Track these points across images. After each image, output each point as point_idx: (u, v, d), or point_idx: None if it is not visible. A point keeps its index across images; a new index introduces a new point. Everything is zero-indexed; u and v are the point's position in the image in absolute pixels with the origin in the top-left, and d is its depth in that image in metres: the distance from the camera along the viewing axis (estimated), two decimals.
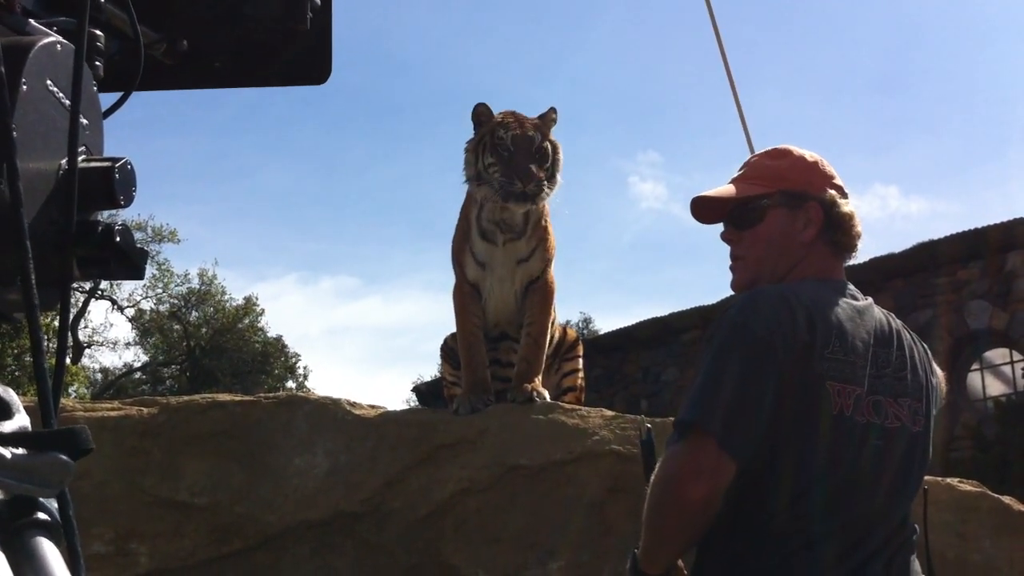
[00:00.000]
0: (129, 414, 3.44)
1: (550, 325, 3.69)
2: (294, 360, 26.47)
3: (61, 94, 0.84)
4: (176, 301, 25.31)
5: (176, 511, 3.31)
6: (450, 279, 3.75)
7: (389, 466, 3.37)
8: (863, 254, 2.09)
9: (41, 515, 0.75)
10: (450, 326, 3.79)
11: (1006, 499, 3.34)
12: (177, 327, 25.30)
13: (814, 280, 1.86)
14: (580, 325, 25.72)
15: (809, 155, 1.97)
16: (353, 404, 3.57)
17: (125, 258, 0.86)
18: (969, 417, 10.94)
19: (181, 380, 24.73)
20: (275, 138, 45.71)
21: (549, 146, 3.50)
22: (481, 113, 3.54)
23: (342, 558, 3.33)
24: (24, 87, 0.79)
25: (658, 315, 14.03)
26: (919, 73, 47.76)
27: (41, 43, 0.83)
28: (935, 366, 1.96)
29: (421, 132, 49.69)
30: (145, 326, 25.35)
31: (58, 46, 0.85)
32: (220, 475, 3.36)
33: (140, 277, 0.88)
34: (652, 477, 1.71)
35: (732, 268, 1.99)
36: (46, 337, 0.79)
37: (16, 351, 19.01)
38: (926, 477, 1.93)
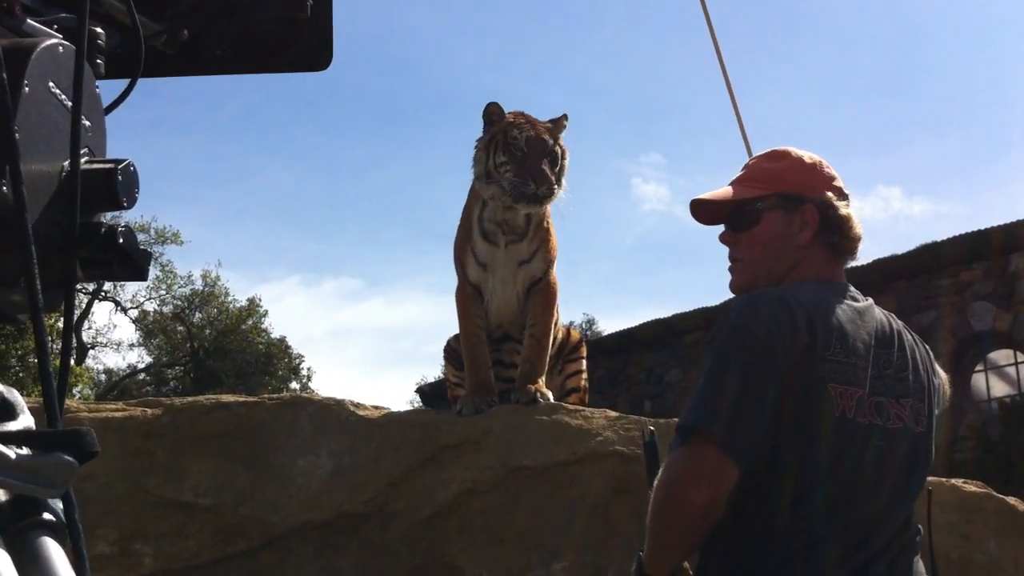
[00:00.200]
0: (133, 415, 3.44)
1: (553, 326, 3.69)
2: (298, 361, 26.53)
3: (63, 96, 0.84)
4: (179, 302, 25.38)
5: (180, 512, 3.31)
6: (453, 281, 3.75)
7: (393, 467, 3.37)
8: (866, 255, 2.09)
9: (46, 515, 0.75)
10: (453, 328, 3.80)
11: (1010, 500, 3.34)
12: (181, 328, 25.34)
13: (814, 282, 1.86)
14: (583, 326, 25.74)
15: (808, 157, 1.96)
16: (357, 405, 3.57)
17: (128, 260, 0.86)
18: (973, 418, 10.91)
19: (185, 381, 24.77)
20: (277, 140, 45.83)
21: (559, 150, 3.51)
22: (493, 112, 3.54)
23: (346, 559, 3.34)
24: (26, 89, 0.80)
25: (661, 316, 14.02)
26: (921, 74, 47.75)
27: (43, 45, 0.83)
28: (937, 368, 1.96)
29: (423, 133, 49.81)
30: (149, 327, 25.40)
31: (60, 48, 0.85)
32: (224, 476, 3.36)
33: (143, 278, 0.89)
34: (655, 481, 1.71)
35: (730, 270, 1.99)
36: (50, 338, 0.79)
37: (20, 352, 19.05)
38: (930, 478, 1.92)
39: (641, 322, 14.26)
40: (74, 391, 21.02)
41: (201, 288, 25.35)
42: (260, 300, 25.88)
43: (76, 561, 0.75)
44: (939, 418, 1.92)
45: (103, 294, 23.77)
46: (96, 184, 0.85)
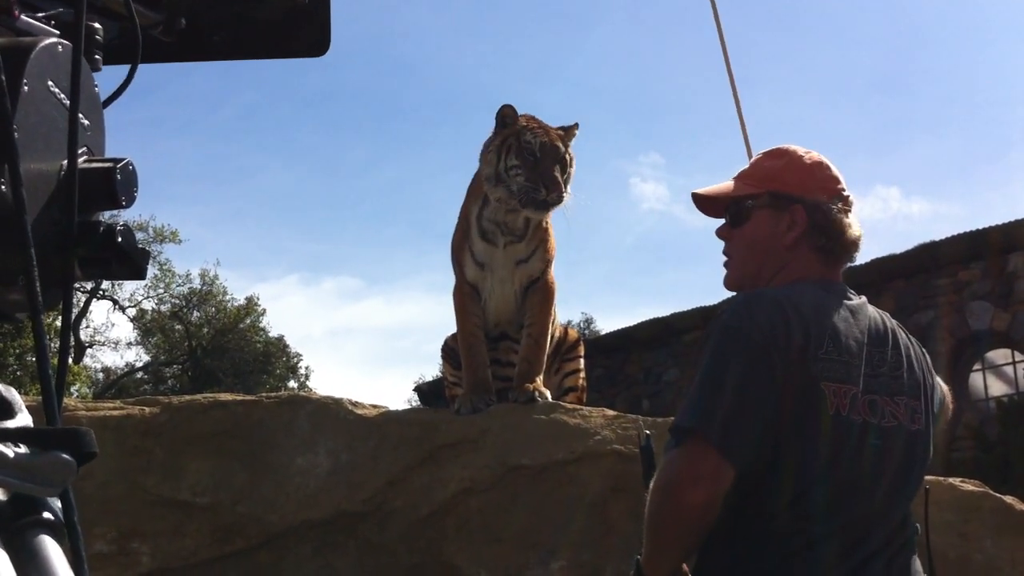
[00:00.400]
0: (131, 414, 3.44)
1: (550, 325, 3.69)
2: (296, 360, 26.54)
3: (62, 95, 0.84)
4: (178, 301, 25.37)
5: (178, 510, 3.31)
6: (451, 281, 3.75)
7: (391, 466, 3.37)
8: (864, 255, 2.08)
9: (44, 514, 0.75)
10: (452, 327, 3.79)
11: (1008, 499, 3.34)
12: (179, 327, 25.34)
13: (807, 283, 1.85)
14: (582, 325, 25.75)
15: (809, 157, 1.95)
16: (355, 404, 3.57)
17: (127, 258, 0.86)
18: (971, 417, 10.92)
19: (183, 380, 24.77)
20: (276, 139, 45.82)
21: (568, 157, 3.52)
22: (507, 115, 3.54)
23: (344, 558, 3.34)
24: (25, 88, 0.80)
25: (659, 315, 14.03)
26: (920, 74, 47.76)
27: (42, 44, 0.83)
28: (938, 379, 1.96)
29: (422, 133, 49.78)
30: (147, 326, 25.39)
31: (59, 47, 0.85)
32: (222, 475, 3.36)
33: (142, 277, 0.89)
34: (651, 483, 1.71)
35: (724, 265, 2.00)
36: (48, 337, 0.79)
37: (18, 351, 19.04)
38: (927, 477, 1.92)
39: (639, 321, 14.28)
40: (72, 390, 21.00)
41: (199, 287, 25.37)
42: (258, 299, 25.93)
43: (74, 560, 0.75)
44: (939, 426, 1.92)
45: (101, 293, 23.77)
46: (95, 183, 0.85)
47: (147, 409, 3.47)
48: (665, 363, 13.76)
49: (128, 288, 24.35)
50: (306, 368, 26.77)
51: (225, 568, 3.31)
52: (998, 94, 42.92)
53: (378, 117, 49.76)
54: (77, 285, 0.85)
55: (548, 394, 3.55)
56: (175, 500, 3.32)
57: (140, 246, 0.88)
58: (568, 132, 3.59)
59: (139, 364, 25.92)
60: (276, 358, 25.85)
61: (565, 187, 3.44)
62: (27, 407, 0.79)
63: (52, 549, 0.73)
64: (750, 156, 3.49)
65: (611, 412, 3.52)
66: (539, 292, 3.63)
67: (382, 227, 48.14)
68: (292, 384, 25.57)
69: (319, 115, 47.79)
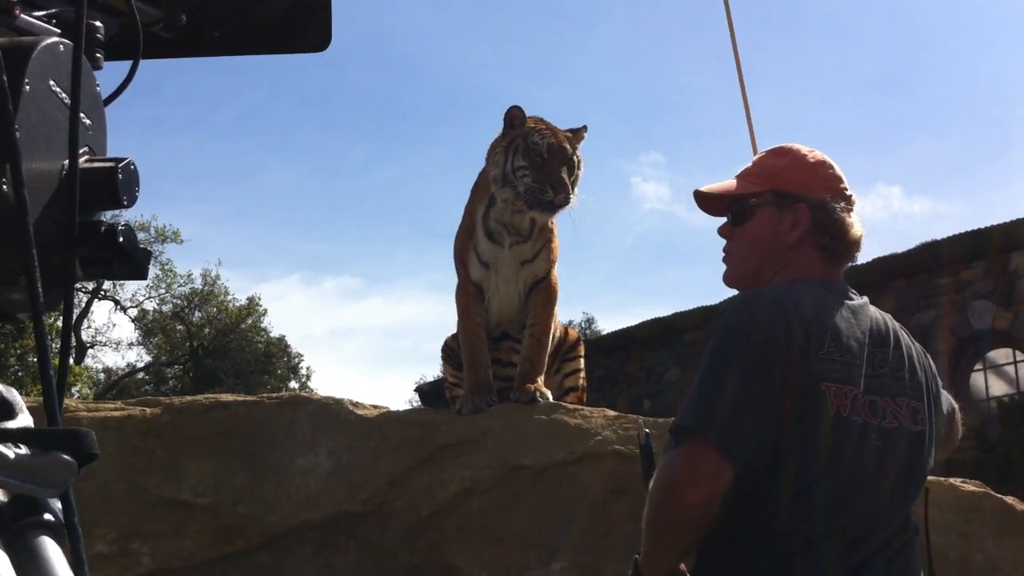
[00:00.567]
0: (132, 414, 3.44)
1: (552, 325, 3.70)
2: (297, 360, 26.53)
3: (64, 94, 0.84)
4: (179, 301, 25.35)
5: (179, 511, 3.31)
6: (452, 280, 3.75)
7: (391, 466, 3.37)
8: (866, 254, 2.07)
9: (44, 515, 0.75)
10: (452, 327, 3.79)
11: (1009, 499, 3.34)
12: (180, 327, 25.33)
13: (808, 282, 1.85)
14: (583, 325, 25.76)
15: (813, 156, 1.94)
16: (356, 404, 3.57)
17: (128, 258, 0.86)
18: (972, 417, 10.91)
19: (184, 380, 24.76)
20: (278, 139, 45.79)
21: (576, 160, 3.52)
22: (515, 116, 3.54)
23: (344, 558, 3.34)
24: (27, 88, 0.80)
25: (660, 315, 14.03)
26: (921, 73, 47.75)
27: (44, 44, 0.83)
28: (947, 395, 1.96)
29: (423, 133, 49.77)
30: (148, 326, 25.38)
31: (60, 46, 0.85)
32: (223, 475, 3.36)
33: (143, 277, 0.89)
34: (651, 483, 1.71)
35: (724, 261, 2.00)
36: (49, 337, 0.79)
37: (19, 351, 19.05)
38: (928, 477, 1.92)
39: (640, 321, 14.28)
40: (73, 390, 21.01)
41: (201, 287, 25.34)
42: (260, 299, 25.89)
43: (75, 561, 0.75)
44: (948, 437, 1.92)
45: (102, 293, 23.77)
46: (96, 183, 0.85)
47: (148, 410, 3.47)
48: (666, 363, 13.76)
49: (130, 288, 24.36)
50: (307, 368, 26.79)
51: (225, 569, 3.31)
52: (999, 94, 42.94)
53: (378, 117, 49.78)
54: (79, 285, 0.85)
55: (549, 394, 3.55)
56: (176, 501, 3.32)
57: (142, 246, 0.88)
58: (576, 135, 3.59)
59: (140, 365, 25.93)
60: (277, 358, 25.85)
61: (572, 189, 3.44)
62: (28, 408, 0.79)
63: (52, 550, 0.73)
64: (755, 153, 3.49)
65: (612, 412, 3.52)
66: (542, 292, 3.64)
67: (382, 227, 48.16)
68: (293, 384, 25.57)
69: (319, 115, 47.79)
